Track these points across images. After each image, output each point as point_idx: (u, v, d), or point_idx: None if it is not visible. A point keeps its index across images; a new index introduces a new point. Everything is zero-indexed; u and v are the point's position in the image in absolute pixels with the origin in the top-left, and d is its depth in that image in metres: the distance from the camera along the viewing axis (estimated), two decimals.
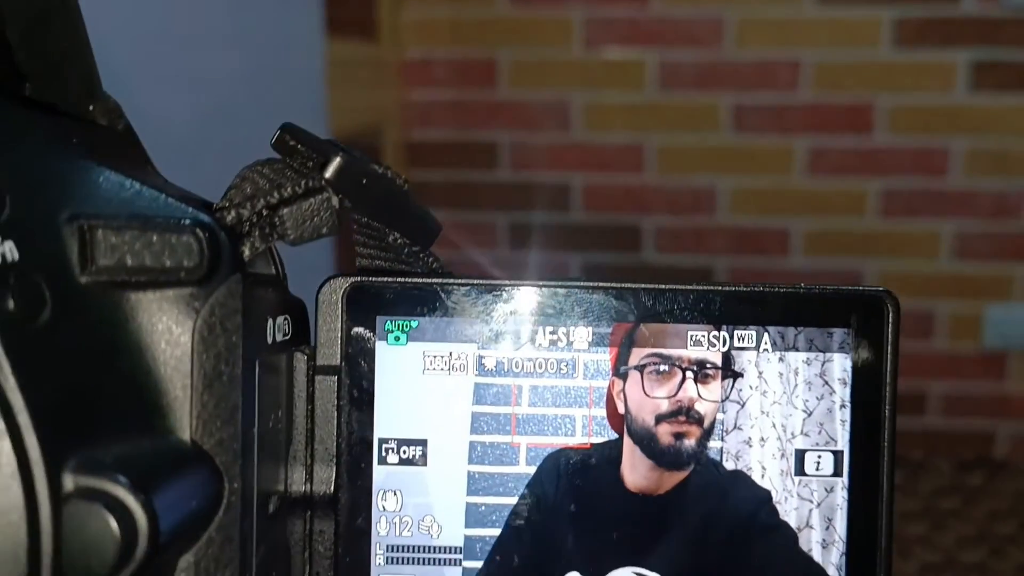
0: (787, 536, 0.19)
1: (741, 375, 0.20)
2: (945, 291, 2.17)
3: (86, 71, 0.19)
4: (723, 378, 0.21)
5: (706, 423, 0.20)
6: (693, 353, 0.20)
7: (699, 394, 0.20)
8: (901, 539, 1.98)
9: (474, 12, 2.13)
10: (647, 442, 0.20)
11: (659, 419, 0.20)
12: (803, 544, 0.19)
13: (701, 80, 2.13)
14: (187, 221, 0.17)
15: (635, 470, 0.20)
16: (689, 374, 0.20)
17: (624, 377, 0.21)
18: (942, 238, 2.14)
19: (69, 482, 0.15)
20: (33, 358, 0.14)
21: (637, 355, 0.20)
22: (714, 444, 0.20)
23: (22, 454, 0.14)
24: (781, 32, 2.09)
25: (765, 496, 0.20)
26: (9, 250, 0.14)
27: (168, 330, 0.18)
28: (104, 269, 0.16)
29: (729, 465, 0.19)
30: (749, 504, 0.20)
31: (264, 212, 0.19)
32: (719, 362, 0.20)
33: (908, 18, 2.05)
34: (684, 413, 0.20)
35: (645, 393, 0.21)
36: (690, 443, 0.20)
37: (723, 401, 0.21)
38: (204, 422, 0.18)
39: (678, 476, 0.20)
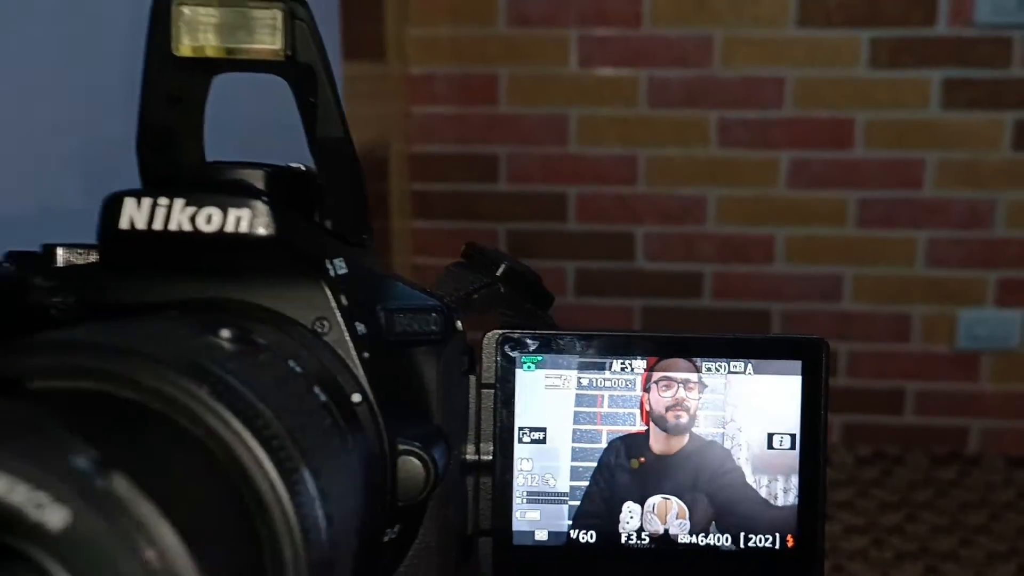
0: (739, 475, 0.32)
1: (707, 386, 0.33)
2: (920, 296, 2.29)
3: (364, 211, 0.31)
4: (700, 389, 0.34)
5: (692, 412, 0.33)
6: (684, 375, 0.33)
7: (687, 396, 0.33)
8: (878, 528, 2.11)
9: (475, 31, 2.25)
10: (661, 423, 0.33)
11: (667, 408, 0.33)
12: (750, 481, 0.32)
13: (690, 97, 2.25)
14: (433, 304, 0.30)
15: (657, 440, 0.33)
16: (681, 386, 0.33)
17: (649, 390, 0.34)
18: (917, 246, 2.27)
19: (398, 446, 0.27)
20: (373, 375, 0.27)
21: (655, 376, 0.33)
22: (698, 425, 0.33)
23: (379, 434, 0.27)
24: (765, 52, 2.22)
25: (725, 455, 0.33)
26: (359, 324, 0.27)
27: (426, 365, 0.31)
28: (398, 333, 0.29)
29: (707, 437, 0.33)
30: (718, 458, 0.33)
31: (463, 297, 0.32)
32: (695, 379, 0.33)
33: (884, 38, 2.18)
34: (679, 406, 0.33)
35: (659, 396, 0.34)
36: (684, 422, 0.33)
37: (699, 400, 0.34)
38: (444, 417, 0.31)
39: (680, 442, 0.33)
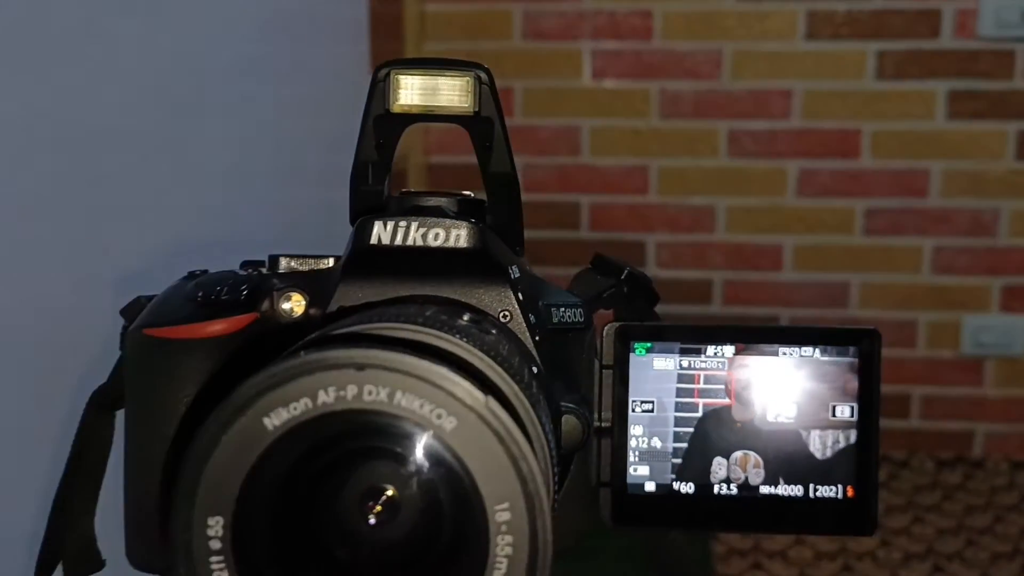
0: (806, 438, 0.41)
1: (782, 367, 0.42)
2: (926, 302, 2.38)
3: (521, 229, 0.40)
4: (776, 369, 0.43)
5: (769, 388, 0.42)
6: (763, 358, 0.42)
7: (765, 375, 0.42)
8: (885, 530, 2.20)
9: (491, 45, 2.34)
10: (744, 396, 0.42)
11: (749, 384, 0.42)
12: (816, 443, 0.41)
13: (700, 108, 2.34)
14: (578, 301, 0.39)
15: (740, 410, 0.42)
16: (761, 367, 0.42)
17: (734, 370, 0.43)
18: (923, 254, 2.36)
19: (561, 407, 0.36)
20: (540, 354, 0.36)
21: (740, 359, 0.42)
22: (774, 398, 0.42)
23: (549, 397, 0.36)
24: (773, 65, 2.31)
25: (796, 421, 0.42)
26: (530, 315, 0.36)
27: (573, 348, 0.39)
28: (555, 323, 0.38)
29: (781, 407, 0.42)
30: (789, 423, 0.42)
31: (596, 296, 0.41)
32: (773, 362, 0.42)
33: (890, 51, 2.28)
34: (759, 383, 0.42)
35: (743, 374, 0.43)
36: (763, 396, 0.42)
37: (775, 378, 0.43)
38: (584, 389, 0.39)
39: (760, 411, 0.42)
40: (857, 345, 0.41)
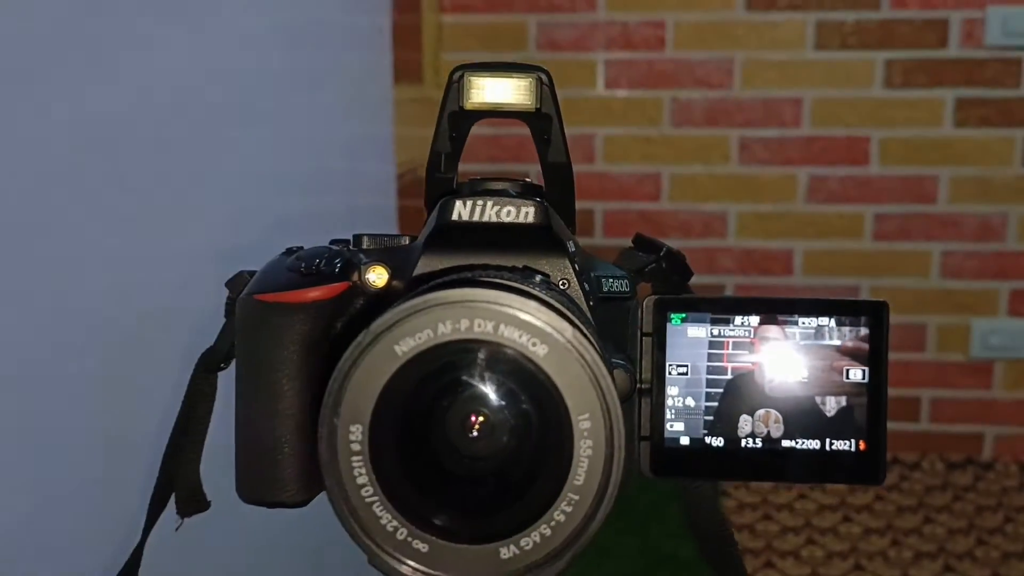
0: (823, 397, 0.47)
1: (801, 334, 0.48)
2: (935, 307, 2.44)
3: (573, 211, 0.46)
4: (797, 337, 0.48)
5: (790, 353, 0.48)
6: (785, 327, 0.48)
7: (786, 342, 0.48)
8: (896, 530, 2.24)
9: (506, 56, 2.40)
10: (767, 360, 0.48)
11: (771, 350, 0.48)
12: (831, 402, 0.47)
13: (711, 117, 2.41)
14: (624, 274, 0.45)
15: (763, 373, 0.48)
16: (782, 335, 0.48)
17: (759, 337, 0.48)
18: (932, 258, 2.41)
19: (612, 362, 0.42)
20: (593, 317, 0.41)
21: (764, 328, 0.48)
22: (794, 362, 0.48)
23: (601, 358, 0.42)
24: (783, 74, 2.37)
25: (814, 382, 0.47)
26: (585, 283, 0.41)
27: (619, 315, 0.45)
28: (605, 292, 0.44)
29: (801, 371, 0.47)
30: (807, 385, 0.48)
31: (638, 270, 0.47)
32: (793, 330, 0.48)
33: (898, 60, 2.33)
34: (781, 348, 0.48)
35: (766, 341, 0.49)
36: (784, 360, 0.47)
37: (795, 344, 0.48)
38: (629, 353, 0.45)
39: (781, 373, 0.47)
40: (868, 315, 0.46)
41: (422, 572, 0.33)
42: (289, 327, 0.41)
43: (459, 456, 0.35)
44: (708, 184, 2.45)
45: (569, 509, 0.33)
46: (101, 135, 0.76)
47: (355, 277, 0.42)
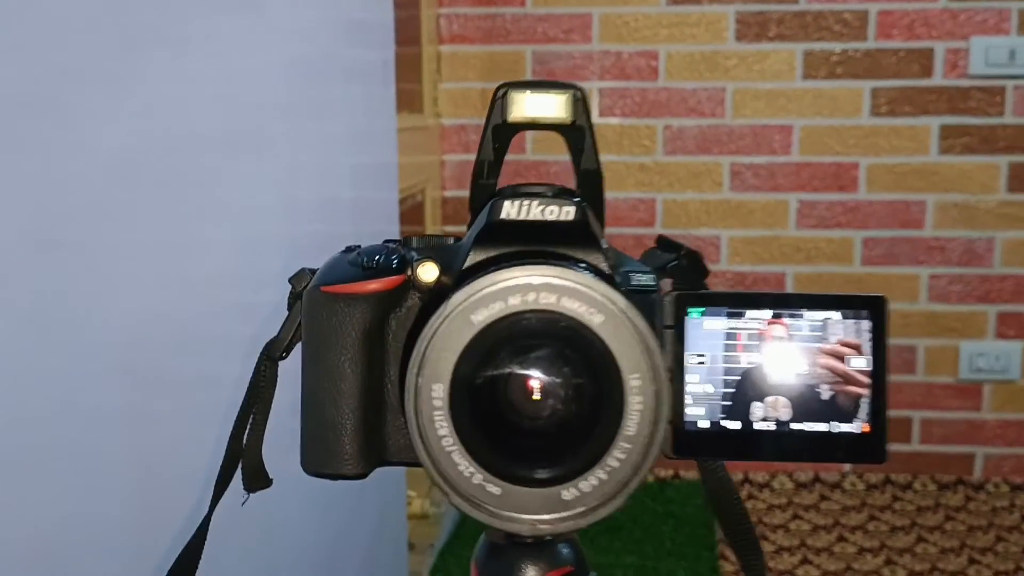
0: (827, 384, 0.52)
1: (809, 327, 0.53)
2: (923, 330, 2.49)
3: (603, 214, 0.51)
4: (805, 329, 0.53)
5: (798, 344, 0.52)
6: (793, 320, 0.53)
7: (796, 334, 0.53)
8: (890, 550, 2.29)
9: None
10: (778, 351, 0.53)
11: (781, 342, 0.53)
12: (835, 388, 0.51)
13: (703, 144, 2.47)
14: (650, 270, 0.50)
15: (775, 361, 0.52)
16: (791, 327, 0.53)
17: (770, 329, 0.53)
18: (920, 282, 2.47)
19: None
20: None
21: (774, 321, 0.53)
22: (803, 353, 0.53)
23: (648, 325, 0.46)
24: (773, 103, 2.44)
25: (821, 371, 0.52)
26: (616, 276, 0.46)
27: (645, 308, 0.49)
28: (633, 285, 0.49)
29: (809, 360, 0.52)
30: (814, 372, 0.52)
31: (661, 267, 0.51)
32: (801, 323, 0.53)
33: (884, 88, 2.40)
34: (790, 340, 0.52)
35: (777, 334, 0.53)
36: (793, 351, 0.52)
37: (804, 336, 0.53)
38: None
39: (790, 362, 0.52)
40: (870, 308, 0.51)
41: (495, 511, 0.38)
42: (351, 315, 0.45)
43: (525, 412, 0.40)
44: (700, 210, 2.50)
45: (622, 456, 0.38)
46: (110, 166, 0.80)
47: (409, 272, 0.47)
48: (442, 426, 0.38)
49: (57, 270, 0.73)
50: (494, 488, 0.38)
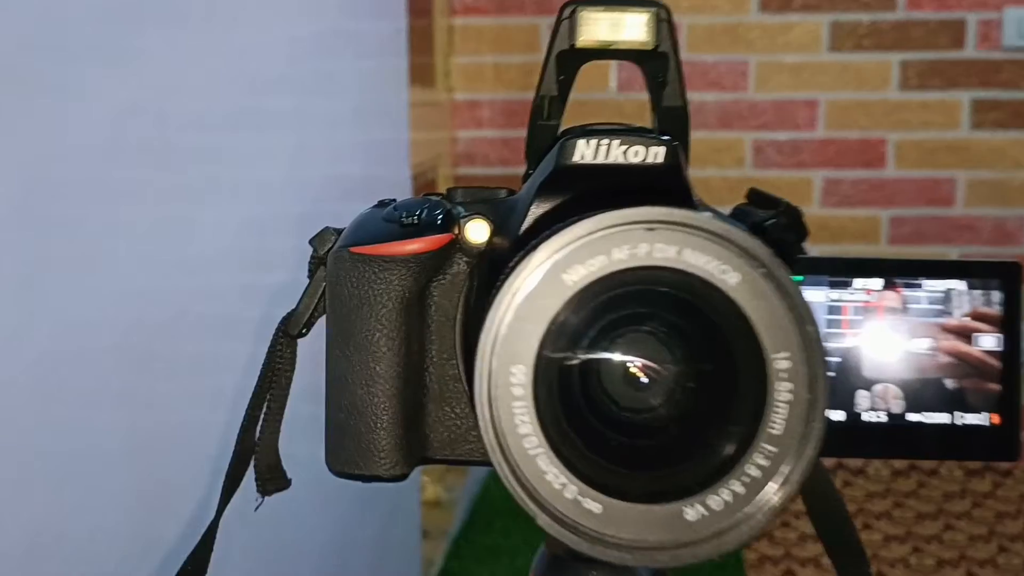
0: (950, 367, 0.43)
1: (928, 298, 0.44)
2: None
3: (687, 157, 0.42)
4: (923, 301, 0.45)
5: (915, 319, 0.44)
6: (910, 291, 0.44)
7: (912, 307, 0.44)
8: (917, 537, 2.21)
9: (517, 58, 2.38)
10: (891, 327, 0.44)
11: (894, 314, 0.44)
12: (960, 372, 0.43)
13: (725, 119, 2.38)
14: (743, 225, 0.41)
15: (887, 341, 0.44)
16: (907, 299, 0.44)
17: (882, 301, 0.44)
18: None
19: None
20: None
21: (886, 291, 0.44)
22: (920, 329, 0.44)
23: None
24: (798, 76, 2.35)
25: (941, 351, 0.44)
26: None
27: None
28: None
29: (928, 338, 0.44)
30: (922, 351, 0.44)
31: (756, 223, 0.43)
32: (920, 294, 0.44)
33: (914, 61, 2.31)
34: (905, 313, 0.44)
35: (890, 305, 0.45)
36: (909, 326, 0.44)
37: (922, 309, 0.45)
38: None
39: (906, 342, 0.44)
40: (1001, 277, 0.43)
41: (597, 533, 0.28)
42: (387, 282, 0.36)
43: (634, 403, 0.31)
44: (722, 187, 2.41)
45: (765, 463, 0.28)
46: (107, 143, 0.74)
47: (456, 231, 0.38)
48: (524, 422, 0.28)
49: (53, 249, 0.66)
50: (593, 504, 0.28)
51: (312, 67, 1.31)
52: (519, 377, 0.28)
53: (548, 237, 0.28)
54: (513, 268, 0.28)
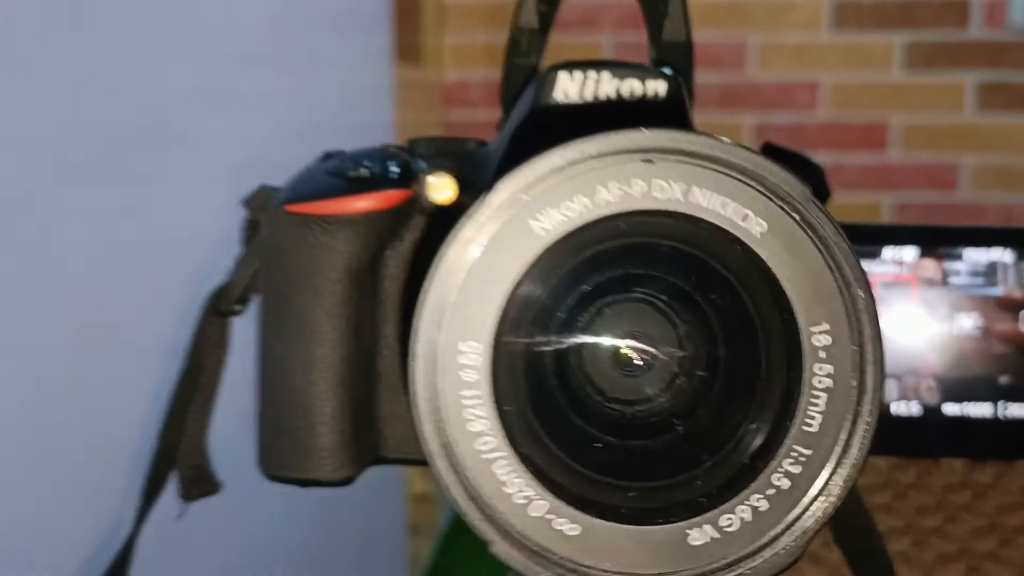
0: (983, 347, 0.37)
1: (967, 271, 0.38)
2: None
3: (692, 95, 0.36)
4: (961, 275, 0.39)
5: (950, 293, 0.38)
6: (948, 263, 0.38)
7: (949, 281, 0.38)
8: (918, 529, 2.15)
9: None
10: (926, 304, 0.38)
11: (932, 288, 0.39)
12: (988, 359, 0.37)
13: (725, 100, 2.32)
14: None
15: (916, 319, 0.38)
16: (944, 272, 0.39)
17: (916, 274, 0.39)
18: None
19: None
20: None
21: (921, 262, 0.38)
22: (956, 305, 0.38)
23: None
24: (799, 56, 2.28)
25: (984, 331, 0.38)
26: None
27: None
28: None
29: (968, 317, 0.38)
30: (960, 332, 0.38)
31: None
32: (958, 267, 0.38)
33: (918, 42, 2.25)
34: (942, 287, 0.38)
35: (926, 279, 0.39)
36: (947, 302, 0.38)
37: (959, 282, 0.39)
38: None
39: (943, 324, 0.38)
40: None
41: (572, 567, 0.20)
42: (330, 247, 0.29)
43: (625, 391, 0.23)
44: None
45: (796, 469, 0.20)
46: (61, 121, 0.69)
47: (415, 187, 0.31)
48: (478, 416, 0.21)
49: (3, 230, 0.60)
50: (568, 525, 0.20)
51: (289, 43, 1.26)
52: (471, 357, 0.20)
53: (511, 172, 0.21)
54: (467, 214, 0.21)
